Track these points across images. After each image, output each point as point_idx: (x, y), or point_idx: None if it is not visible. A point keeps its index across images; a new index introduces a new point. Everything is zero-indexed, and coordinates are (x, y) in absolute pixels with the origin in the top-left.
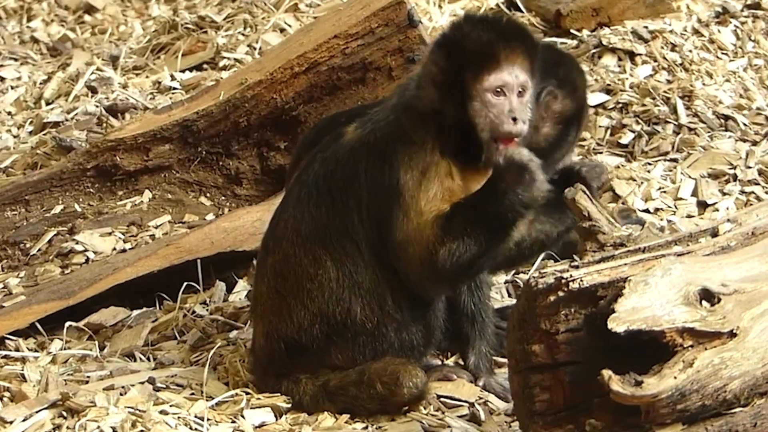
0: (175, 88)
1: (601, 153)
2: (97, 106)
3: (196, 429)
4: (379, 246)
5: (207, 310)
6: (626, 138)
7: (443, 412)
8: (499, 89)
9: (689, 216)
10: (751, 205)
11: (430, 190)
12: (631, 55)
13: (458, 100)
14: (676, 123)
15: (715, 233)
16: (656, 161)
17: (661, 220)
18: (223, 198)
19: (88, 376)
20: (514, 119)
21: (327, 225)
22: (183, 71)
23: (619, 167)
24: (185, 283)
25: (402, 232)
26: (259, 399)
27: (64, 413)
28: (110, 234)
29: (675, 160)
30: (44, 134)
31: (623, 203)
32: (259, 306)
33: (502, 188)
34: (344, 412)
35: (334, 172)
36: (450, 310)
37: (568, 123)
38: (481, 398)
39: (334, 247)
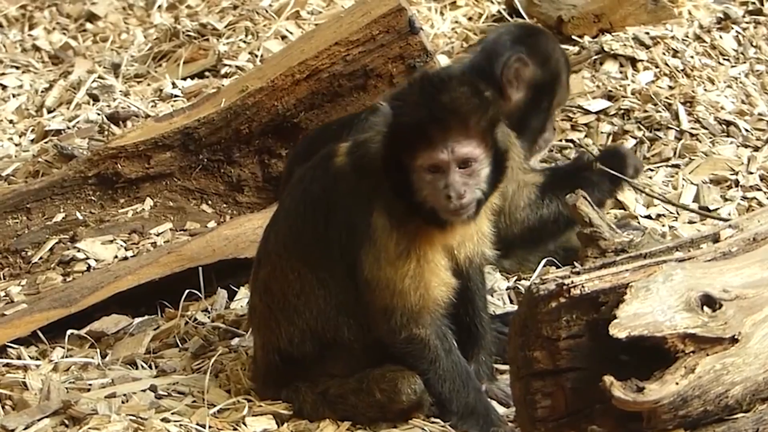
0: (176, 96)
1: None
2: (98, 114)
3: None
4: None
5: (208, 317)
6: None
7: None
8: (433, 167)
9: (691, 222)
10: (752, 210)
11: (401, 244)
12: (633, 61)
13: (401, 169)
14: (677, 129)
15: (716, 239)
16: (658, 167)
17: (663, 226)
18: (224, 205)
19: (90, 384)
20: (449, 196)
21: (312, 245)
22: (184, 79)
23: None
24: (187, 291)
25: (370, 273)
26: (260, 406)
27: (66, 421)
28: (112, 242)
29: (677, 166)
30: (46, 142)
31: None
32: (255, 318)
33: None
34: (345, 419)
35: (321, 197)
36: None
37: (540, 91)
38: None
39: (319, 266)
